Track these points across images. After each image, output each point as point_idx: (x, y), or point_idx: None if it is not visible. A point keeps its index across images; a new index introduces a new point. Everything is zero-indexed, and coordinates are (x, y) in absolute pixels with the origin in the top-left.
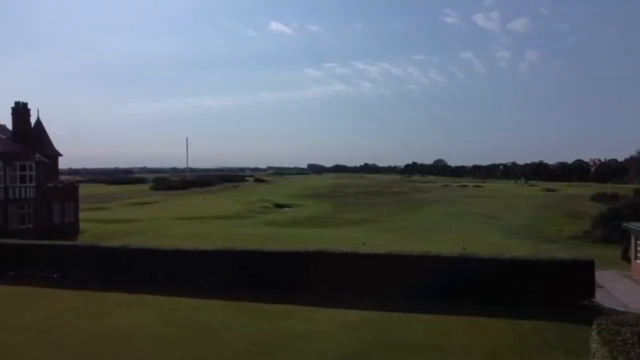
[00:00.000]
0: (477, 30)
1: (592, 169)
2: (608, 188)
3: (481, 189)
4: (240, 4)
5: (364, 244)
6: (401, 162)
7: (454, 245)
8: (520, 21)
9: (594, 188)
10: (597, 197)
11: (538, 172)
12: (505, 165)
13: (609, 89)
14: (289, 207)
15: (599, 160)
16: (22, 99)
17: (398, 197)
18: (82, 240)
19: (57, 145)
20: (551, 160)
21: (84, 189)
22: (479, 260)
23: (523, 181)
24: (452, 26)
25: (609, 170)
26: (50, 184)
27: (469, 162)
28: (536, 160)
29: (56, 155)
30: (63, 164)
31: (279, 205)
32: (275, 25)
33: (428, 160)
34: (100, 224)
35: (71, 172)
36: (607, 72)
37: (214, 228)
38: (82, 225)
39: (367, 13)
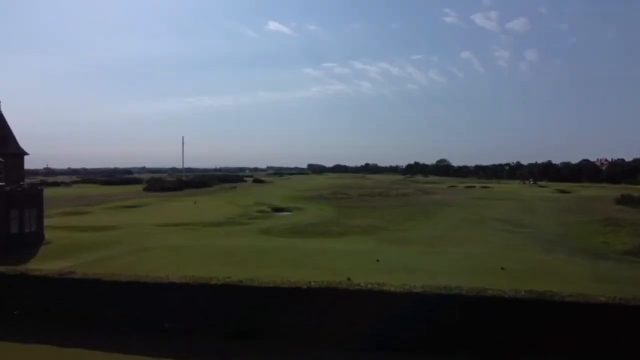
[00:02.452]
0: (477, 30)
1: (603, 168)
2: (623, 189)
3: (490, 190)
4: (239, 4)
5: (378, 261)
6: (402, 162)
7: (490, 263)
8: (520, 21)
9: (608, 189)
10: (624, 200)
11: (546, 172)
12: (509, 165)
13: (609, 88)
14: (289, 211)
15: (606, 160)
16: (22, 99)
17: (405, 200)
18: (45, 252)
19: (58, 145)
20: (552, 160)
21: (76, 190)
22: (561, 304)
23: (532, 182)
24: (452, 26)
25: (620, 171)
26: (8, 188)
27: (469, 162)
28: (536, 160)
29: (21, 154)
30: (63, 164)
31: (278, 209)
32: (274, 25)
33: (429, 160)
34: (72, 233)
35: (70, 172)
36: (607, 72)
37: (201, 238)
38: (48, 235)
39: (366, 13)
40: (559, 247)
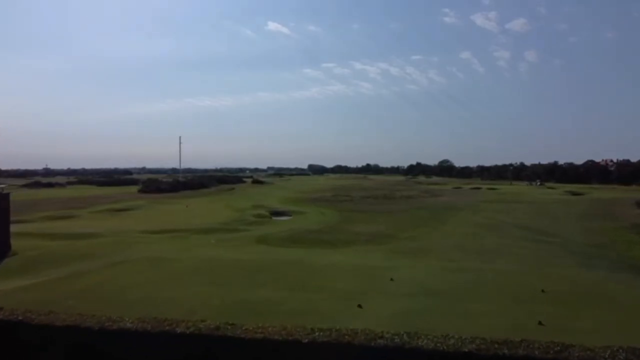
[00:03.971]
0: (476, 30)
1: (611, 169)
2: (635, 191)
3: (497, 191)
4: (237, 4)
5: (391, 279)
6: (403, 162)
7: (526, 284)
8: (519, 21)
9: (620, 191)
10: None
11: (552, 173)
12: (512, 166)
13: (610, 88)
14: (288, 214)
15: (611, 160)
16: (22, 99)
17: (411, 202)
18: (6, 267)
19: (57, 145)
20: (553, 160)
21: (70, 191)
22: None
23: (538, 183)
24: (451, 26)
25: (630, 172)
26: None
27: (470, 163)
28: (538, 160)
29: None
30: (62, 164)
31: (276, 213)
32: (273, 25)
33: (430, 160)
34: (46, 241)
35: (69, 172)
36: (607, 72)
37: (187, 248)
38: (17, 244)
39: (365, 13)
40: (597, 261)
